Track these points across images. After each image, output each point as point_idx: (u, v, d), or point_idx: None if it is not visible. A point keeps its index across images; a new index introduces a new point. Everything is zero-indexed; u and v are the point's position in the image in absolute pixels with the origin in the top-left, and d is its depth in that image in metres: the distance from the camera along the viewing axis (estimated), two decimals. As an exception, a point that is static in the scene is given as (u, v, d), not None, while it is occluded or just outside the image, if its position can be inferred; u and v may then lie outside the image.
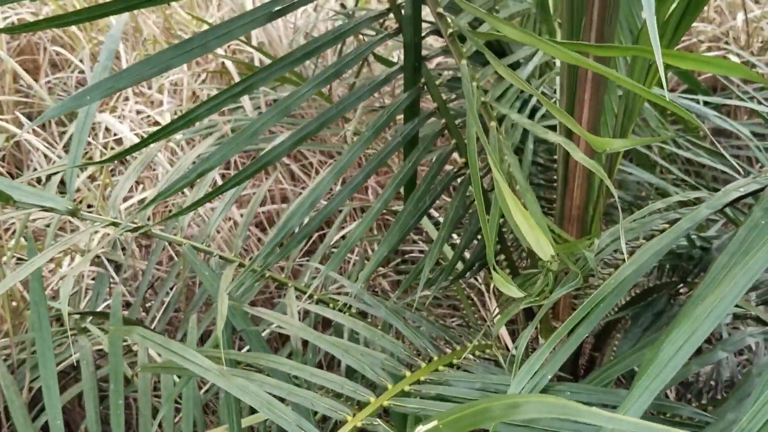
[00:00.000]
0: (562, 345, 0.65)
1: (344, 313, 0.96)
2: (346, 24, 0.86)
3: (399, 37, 0.88)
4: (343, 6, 1.68)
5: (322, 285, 1.19)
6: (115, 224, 0.93)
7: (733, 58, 1.87)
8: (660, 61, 0.44)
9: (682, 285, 0.89)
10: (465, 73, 0.78)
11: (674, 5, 0.75)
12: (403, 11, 0.85)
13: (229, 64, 1.83)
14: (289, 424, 0.61)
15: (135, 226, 0.93)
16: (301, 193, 1.81)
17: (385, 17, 0.88)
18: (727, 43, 2.03)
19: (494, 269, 0.67)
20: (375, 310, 0.87)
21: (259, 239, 1.56)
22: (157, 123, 1.87)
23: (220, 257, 1.01)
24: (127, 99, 1.93)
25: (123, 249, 1.46)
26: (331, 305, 1.01)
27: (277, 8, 0.78)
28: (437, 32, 0.88)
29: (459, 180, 0.97)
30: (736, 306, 0.59)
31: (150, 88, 1.99)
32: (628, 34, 1.04)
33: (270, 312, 0.81)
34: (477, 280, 1.41)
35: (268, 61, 1.33)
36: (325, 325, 1.32)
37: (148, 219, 1.12)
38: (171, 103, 1.96)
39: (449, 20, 0.79)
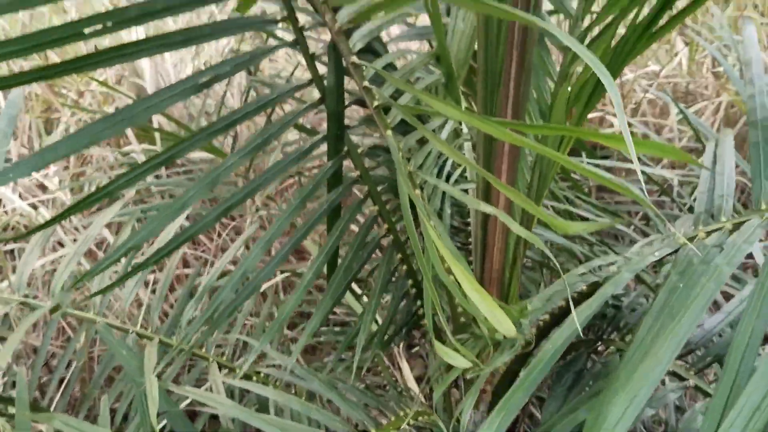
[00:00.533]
0: (498, 413, 0.66)
1: (268, 385, 0.94)
2: (267, 95, 0.86)
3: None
4: (250, 72, 1.67)
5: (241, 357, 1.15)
6: (25, 303, 0.86)
7: (614, 120, 2.02)
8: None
9: (599, 343, 0.93)
10: (392, 144, 0.80)
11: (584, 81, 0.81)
12: (325, 82, 0.87)
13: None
14: None
15: (51, 306, 0.87)
16: (201, 257, 1.76)
17: (307, 87, 0.89)
18: (604, 105, 2.19)
19: (437, 339, 0.67)
20: (309, 383, 0.85)
21: (166, 313, 1.50)
22: (43, 186, 1.78)
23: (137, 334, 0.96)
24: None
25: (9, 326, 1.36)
26: (254, 378, 0.98)
27: (203, 80, 0.77)
28: (360, 101, 0.90)
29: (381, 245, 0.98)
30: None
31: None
32: (535, 106, 1.10)
33: (198, 391, 0.78)
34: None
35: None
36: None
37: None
38: (58, 166, 1.87)
39: (375, 93, 0.80)
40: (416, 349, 1.49)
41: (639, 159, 1.85)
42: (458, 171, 1.13)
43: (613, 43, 0.77)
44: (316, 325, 0.83)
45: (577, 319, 0.69)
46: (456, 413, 0.73)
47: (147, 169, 0.78)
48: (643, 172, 1.65)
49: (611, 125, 2.08)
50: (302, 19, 0.85)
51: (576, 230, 0.67)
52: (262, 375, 0.97)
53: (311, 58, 0.85)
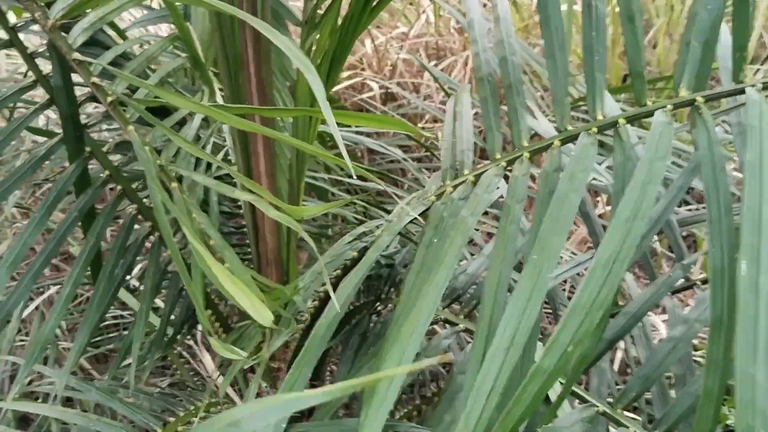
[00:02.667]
0: (287, 388, 0.67)
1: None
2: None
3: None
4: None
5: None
6: None
7: (372, 84, 2.09)
8: (334, 124, 0.48)
9: (378, 302, 0.97)
10: (135, 139, 0.75)
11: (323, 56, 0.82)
12: (52, 82, 0.80)
13: None
14: None
15: None
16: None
17: (31, 89, 0.81)
18: (363, 69, 2.26)
19: (209, 334, 0.66)
20: (86, 394, 0.79)
21: None
22: None
23: None
24: None
25: None
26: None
27: None
28: (95, 98, 0.84)
29: (149, 244, 0.94)
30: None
31: None
32: (282, 79, 1.10)
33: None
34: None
35: None
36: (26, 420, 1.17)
37: None
38: None
39: (106, 89, 0.75)
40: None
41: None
42: (221, 154, 1.11)
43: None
44: (84, 341, 0.78)
45: (347, 288, 0.71)
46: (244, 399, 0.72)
47: None
48: (408, 136, 1.73)
49: (371, 89, 2.15)
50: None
51: (309, 214, 0.69)
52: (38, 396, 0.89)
53: (30, 58, 0.78)
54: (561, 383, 0.70)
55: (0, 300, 0.78)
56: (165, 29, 1.75)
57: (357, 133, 1.42)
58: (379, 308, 0.99)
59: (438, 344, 0.80)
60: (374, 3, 0.70)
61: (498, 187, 0.75)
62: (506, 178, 0.75)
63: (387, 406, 0.56)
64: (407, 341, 0.62)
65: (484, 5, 2.02)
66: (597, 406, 0.74)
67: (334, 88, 1.96)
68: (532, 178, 0.91)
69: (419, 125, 2.25)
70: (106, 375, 1.16)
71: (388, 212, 1.32)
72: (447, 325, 0.85)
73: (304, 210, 0.64)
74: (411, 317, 0.64)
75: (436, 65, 2.38)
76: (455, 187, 0.79)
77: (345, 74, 2.16)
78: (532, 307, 0.59)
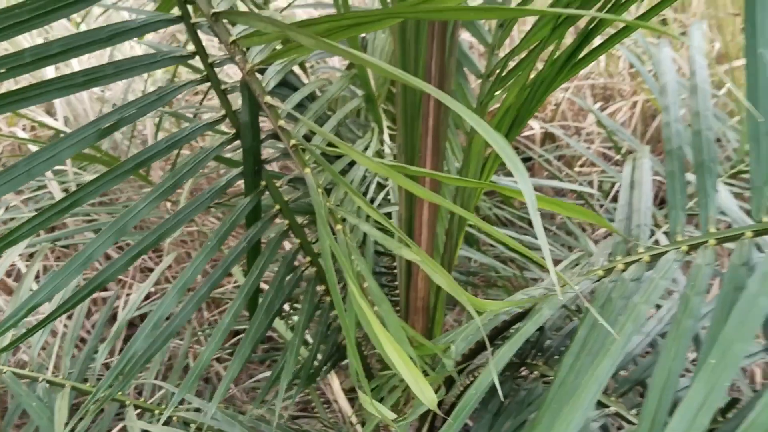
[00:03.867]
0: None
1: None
2: (181, 131, 0.83)
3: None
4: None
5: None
6: None
7: (534, 123, 2.05)
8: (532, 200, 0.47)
9: (523, 366, 0.94)
10: (311, 182, 0.77)
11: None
12: (240, 118, 0.83)
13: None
14: None
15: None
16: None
17: (220, 123, 0.85)
18: (535, 115, 2.22)
19: (357, 379, 0.66)
20: (230, 428, 0.82)
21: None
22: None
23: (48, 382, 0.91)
24: None
25: None
26: (174, 422, 0.94)
27: (107, 124, 0.73)
28: (276, 136, 0.87)
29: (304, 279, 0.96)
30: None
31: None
32: (453, 128, 1.10)
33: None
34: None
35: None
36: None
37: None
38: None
39: (291, 133, 0.78)
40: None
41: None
42: (381, 195, 1.12)
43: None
44: (236, 371, 0.81)
45: (503, 359, 0.69)
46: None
47: (54, 215, 0.73)
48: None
49: (532, 128, 2.11)
50: (211, 50, 0.81)
51: (494, 308, 0.67)
52: (180, 419, 0.93)
53: (223, 93, 0.82)
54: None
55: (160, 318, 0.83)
56: (336, 61, 1.81)
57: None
58: (523, 372, 0.95)
59: (586, 427, 0.76)
60: (572, 64, 0.67)
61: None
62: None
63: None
64: (562, 432, 0.59)
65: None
66: None
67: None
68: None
69: (576, 167, 2.18)
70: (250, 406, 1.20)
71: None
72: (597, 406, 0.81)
73: (490, 304, 0.63)
74: (567, 407, 0.60)
75: (602, 108, 2.30)
76: (627, 264, 0.75)
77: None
78: (703, 417, 0.53)
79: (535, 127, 2.07)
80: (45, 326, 0.76)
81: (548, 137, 2.21)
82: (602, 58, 2.40)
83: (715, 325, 0.63)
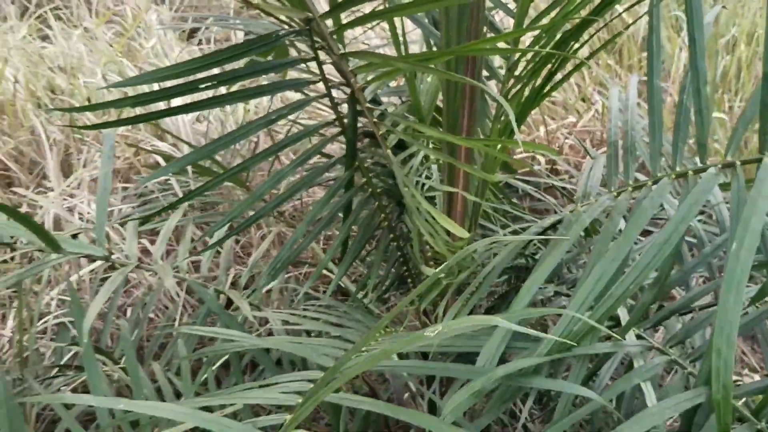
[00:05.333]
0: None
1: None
2: (303, 130, 1.34)
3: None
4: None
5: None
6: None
7: (540, 158, 2.56)
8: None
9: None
10: (392, 158, 1.28)
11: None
12: (345, 120, 1.35)
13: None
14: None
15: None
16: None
17: (332, 125, 1.37)
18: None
19: (420, 262, 1.15)
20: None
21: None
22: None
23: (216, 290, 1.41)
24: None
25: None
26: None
27: (257, 125, 1.24)
28: (366, 134, 1.38)
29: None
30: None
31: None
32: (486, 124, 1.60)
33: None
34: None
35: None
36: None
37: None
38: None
39: (380, 126, 1.29)
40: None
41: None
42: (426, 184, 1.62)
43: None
44: (339, 277, 1.30)
45: (506, 253, 1.17)
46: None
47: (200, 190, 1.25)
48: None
49: (539, 162, 2.62)
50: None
51: (495, 179, 1.16)
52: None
53: (335, 105, 1.33)
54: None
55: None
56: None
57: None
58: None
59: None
60: (544, 91, 1.18)
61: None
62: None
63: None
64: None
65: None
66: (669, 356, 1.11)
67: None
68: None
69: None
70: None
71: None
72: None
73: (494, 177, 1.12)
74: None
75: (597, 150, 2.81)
76: (636, 188, 1.20)
77: (518, 150, 2.65)
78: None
79: (541, 161, 2.58)
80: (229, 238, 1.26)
81: (553, 172, 2.70)
82: (599, 109, 2.93)
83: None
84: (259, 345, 1.07)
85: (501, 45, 1.52)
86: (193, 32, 4.23)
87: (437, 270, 1.03)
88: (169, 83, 1.15)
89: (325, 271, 1.71)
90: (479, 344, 1.03)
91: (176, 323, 1.70)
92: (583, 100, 3.10)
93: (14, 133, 2.64)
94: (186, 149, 2.27)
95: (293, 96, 1.87)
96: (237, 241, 2.21)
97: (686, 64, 3.05)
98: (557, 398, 1.05)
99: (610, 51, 3.50)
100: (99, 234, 1.33)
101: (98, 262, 1.83)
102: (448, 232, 1.32)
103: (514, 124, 0.99)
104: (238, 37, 4.02)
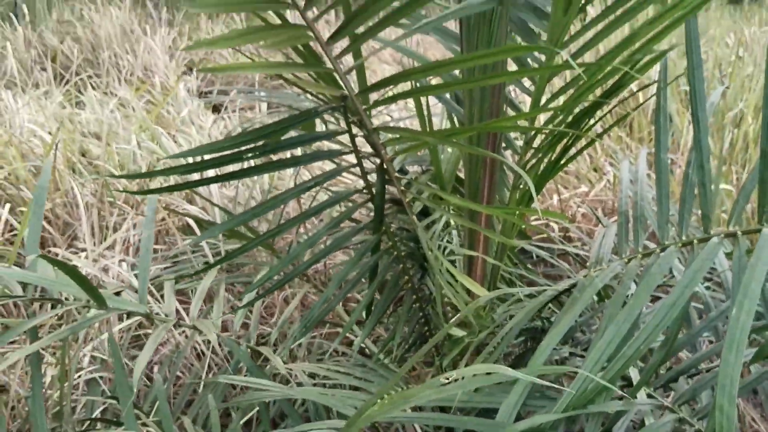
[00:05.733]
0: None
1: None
2: (338, 194, 1.45)
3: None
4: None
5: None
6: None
7: (553, 225, 2.65)
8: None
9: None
10: (420, 225, 1.38)
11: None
12: (374, 189, 1.45)
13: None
14: None
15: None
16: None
17: (362, 191, 1.47)
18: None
19: (440, 315, 1.23)
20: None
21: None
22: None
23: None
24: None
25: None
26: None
27: (310, 184, 1.35)
28: (393, 201, 1.48)
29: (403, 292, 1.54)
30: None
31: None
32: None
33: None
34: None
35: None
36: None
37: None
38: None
39: (408, 194, 1.39)
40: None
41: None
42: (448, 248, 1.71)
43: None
44: (364, 336, 1.38)
45: (523, 314, 1.25)
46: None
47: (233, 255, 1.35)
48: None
49: (553, 229, 2.71)
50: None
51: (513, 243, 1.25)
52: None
53: (365, 174, 1.44)
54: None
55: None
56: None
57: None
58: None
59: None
60: (560, 163, 1.29)
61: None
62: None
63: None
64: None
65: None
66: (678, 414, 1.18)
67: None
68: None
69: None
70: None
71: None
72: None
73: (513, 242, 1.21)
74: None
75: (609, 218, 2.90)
76: (646, 255, 1.29)
77: (533, 217, 2.74)
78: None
79: (554, 227, 2.67)
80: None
81: (567, 239, 2.79)
82: (610, 179, 3.03)
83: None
84: (289, 395, 1.14)
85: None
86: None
87: (452, 320, 1.11)
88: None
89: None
90: (498, 401, 1.10)
91: (203, 380, 1.77)
92: (595, 170, 3.22)
93: (50, 196, 2.77)
94: (216, 212, 2.38)
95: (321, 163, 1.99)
96: (262, 302, 2.29)
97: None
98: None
99: (621, 124, 3.64)
100: (142, 292, 1.42)
101: (129, 320, 1.92)
102: (469, 292, 1.41)
103: (534, 194, 1.08)
104: (262, 107, 4.22)
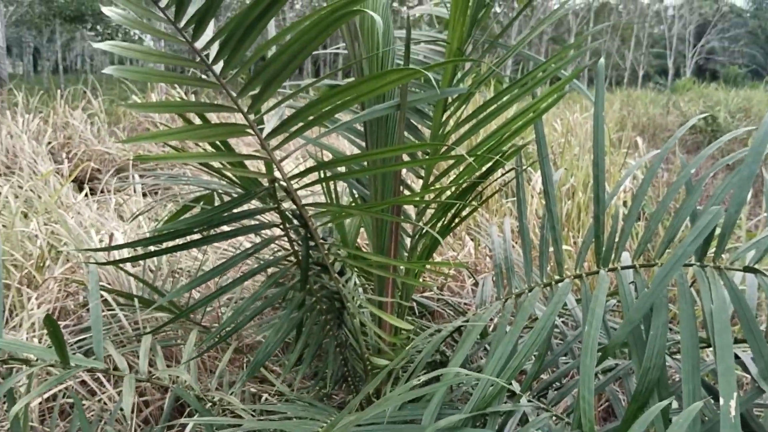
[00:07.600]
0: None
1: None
2: (266, 262, 1.73)
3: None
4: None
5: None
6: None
7: (431, 294, 3.04)
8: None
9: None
10: (345, 292, 1.69)
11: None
12: (300, 254, 1.75)
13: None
14: None
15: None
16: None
17: (289, 256, 1.77)
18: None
19: (364, 352, 1.54)
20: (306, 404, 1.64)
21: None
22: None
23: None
24: None
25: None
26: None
27: (243, 256, 1.63)
28: (316, 263, 1.79)
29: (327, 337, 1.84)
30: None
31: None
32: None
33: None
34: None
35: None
36: None
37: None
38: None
39: (330, 256, 1.71)
40: None
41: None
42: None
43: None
44: (300, 375, 1.65)
45: (433, 344, 1.58)
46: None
47: (162, 326, 1.61)
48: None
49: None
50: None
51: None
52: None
53: (293, 243, 1.74)
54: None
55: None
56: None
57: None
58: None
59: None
60: (451, 226, 1.67)
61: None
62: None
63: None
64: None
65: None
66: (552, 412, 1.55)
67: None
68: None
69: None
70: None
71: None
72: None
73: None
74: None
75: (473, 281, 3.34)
76: (518, 295, 1.67)
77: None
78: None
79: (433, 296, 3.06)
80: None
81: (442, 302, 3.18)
82: (472, 249, 3.50)
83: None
84: (255, 427, 1.40)
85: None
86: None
87: (379, 350, 1.43)
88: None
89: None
90: (419, 413, 1.42)
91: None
92: (460, 239, 3.69)
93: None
94: (133, 284, 2.55)
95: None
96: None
97: (537, 208, 3.74)
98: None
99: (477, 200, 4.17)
100: (97, 349, 1.62)
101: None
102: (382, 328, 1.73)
103: (440, 240, 1.44)
104: (137, 187, 4.39)
